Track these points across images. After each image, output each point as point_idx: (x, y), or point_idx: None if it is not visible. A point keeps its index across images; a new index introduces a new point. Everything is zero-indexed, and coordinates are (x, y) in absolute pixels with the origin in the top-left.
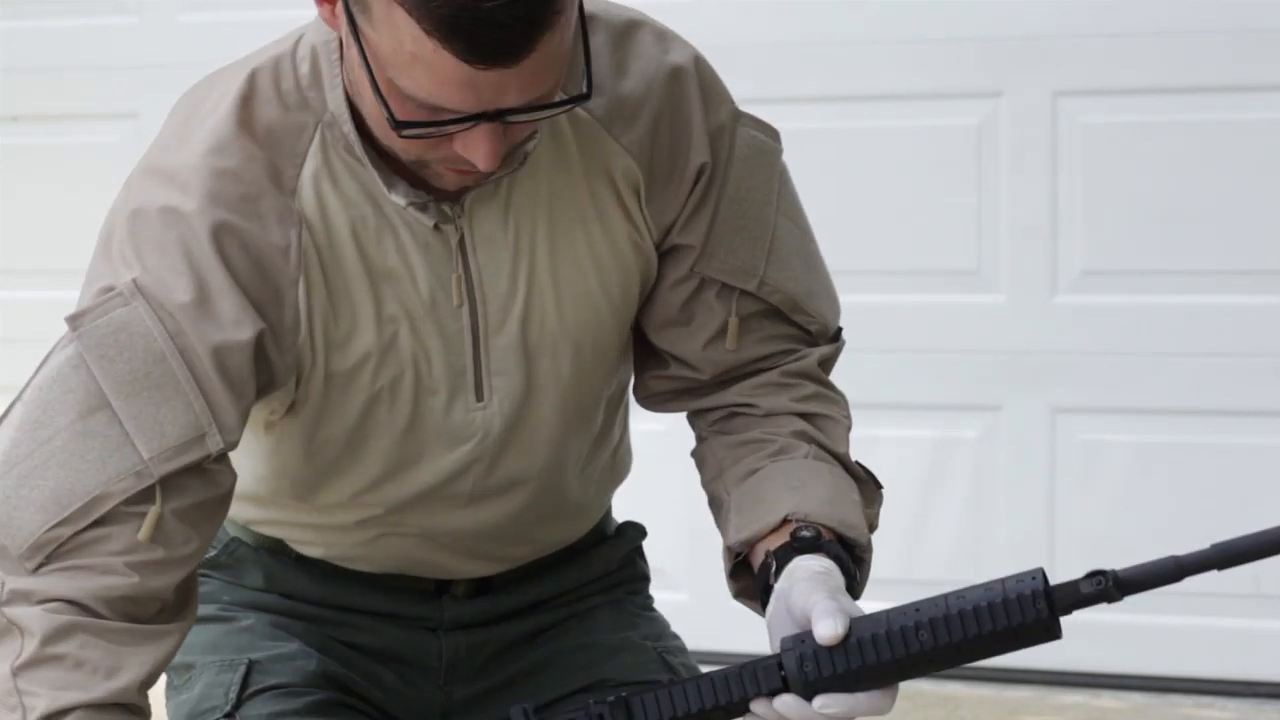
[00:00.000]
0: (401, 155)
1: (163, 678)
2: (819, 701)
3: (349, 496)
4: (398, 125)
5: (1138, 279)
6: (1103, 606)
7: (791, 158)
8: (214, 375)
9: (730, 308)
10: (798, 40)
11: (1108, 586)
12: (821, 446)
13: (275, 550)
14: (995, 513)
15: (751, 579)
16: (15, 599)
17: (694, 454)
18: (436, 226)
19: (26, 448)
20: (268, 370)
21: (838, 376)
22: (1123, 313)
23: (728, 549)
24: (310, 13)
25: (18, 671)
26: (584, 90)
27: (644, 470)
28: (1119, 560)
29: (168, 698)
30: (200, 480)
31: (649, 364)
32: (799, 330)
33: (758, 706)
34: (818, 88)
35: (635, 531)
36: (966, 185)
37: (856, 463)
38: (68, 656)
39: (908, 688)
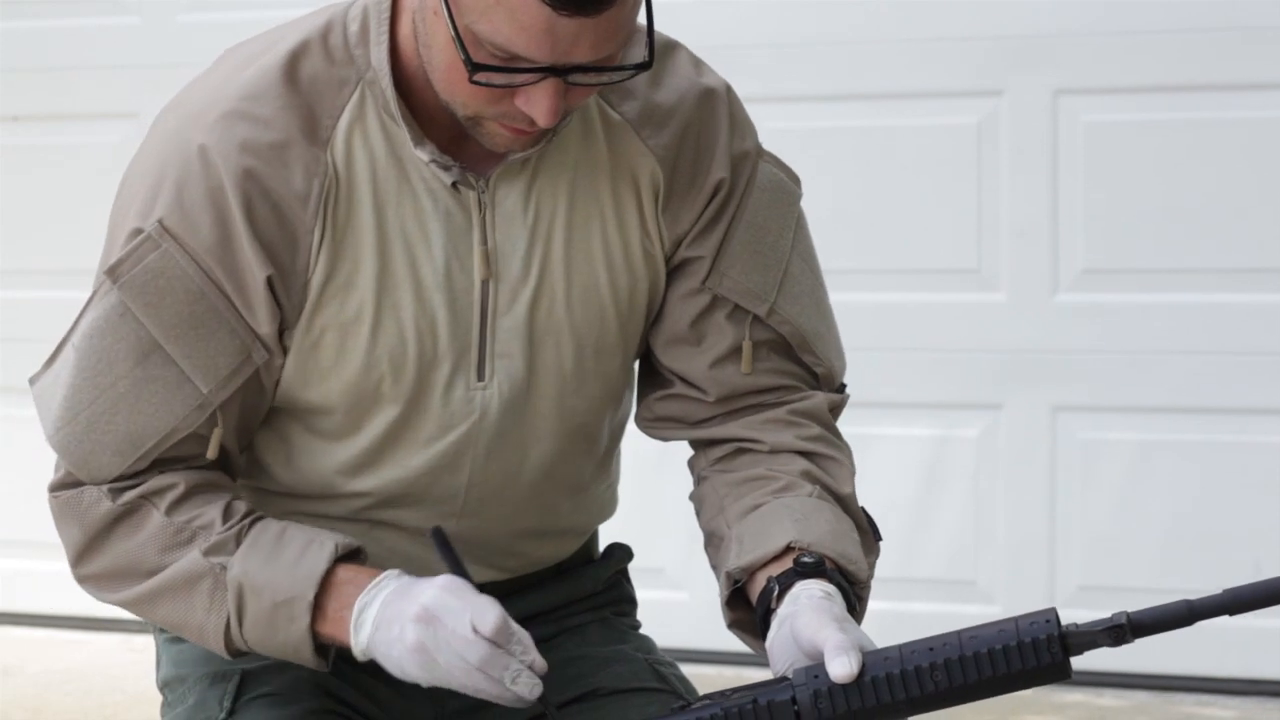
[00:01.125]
0: (460, 110)
1: (158, 696)
2: None
3: (342, 473)
4: (474, 68)
5: (1138, 277)
6: (1100, 606)
7: (792, 157)
8: (247, 299)
9: (743, 332)
10: (798, 39)
11: (1122, 631)
12: (826, 488)
13: None
14: (995, 511)
15: (748, 611)
16: (123, 490)
17: (693, 496)
18: (455, 186)
19: (89, 395)
20: (280, 311)
21: None
22: (1123, 311)
23: (727, 575)
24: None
25: (170, 511)
26: (646, 59)
27: (644, 471)
28: (1117, 560)
29: (163, 714)
30: (249, 392)
31: (654, 386)
32: (805, 371)
33: None
34: (818, 86)
35: (622, 553)
36: (967, 184)
37: (862, 509)
38: (198, 489)
39: None
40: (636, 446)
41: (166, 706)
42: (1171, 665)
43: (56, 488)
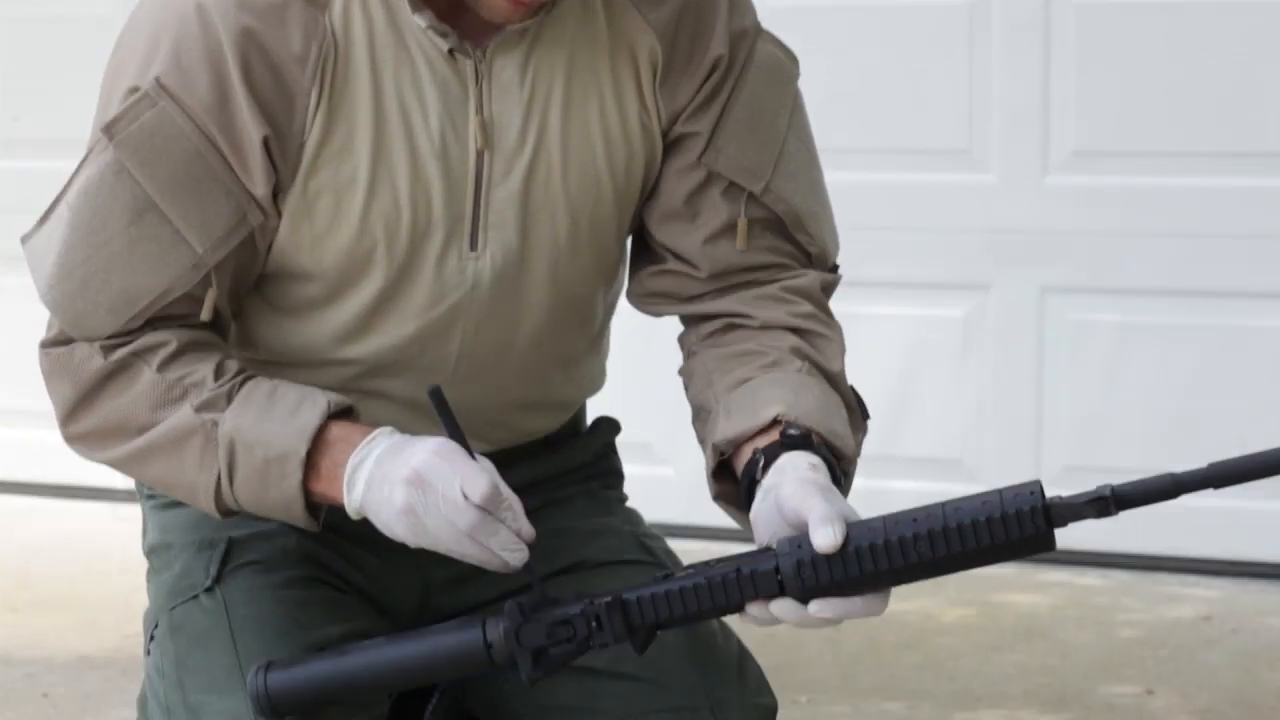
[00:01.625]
0: None
1: (143, 565)
2: (814, 606)
3: (333, 340)
4: None
5: (1129, 160)
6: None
7: (787, 36)
8: (243, 159)
9: (737, 210)
10: None
11: (1106, 503)
12: (815, 364)
13: None
14: (983, 391)
15: (733, 484)
16: (115, 346)
17: (682, 370)
18: (452, 54)
19: (83, 252)
20: (275, 173)
21: None
22: (1113, 193)
23: (713, 446)
24: None
25: (161, 369)
26: None
27: (634, 348)
28: (1104, 441)
29: (149, 580)
30: (243, 255)
31: (646, 261)
32: (798, 250)
33: (753, 609)
34: None
35: (610, 427)
36: (959, 64)
37: (850, 387)
38: (190, 347)
39: None
40: (626, 323)
41: (152, 573)
42: (1155, 546)
43: (48, 344)
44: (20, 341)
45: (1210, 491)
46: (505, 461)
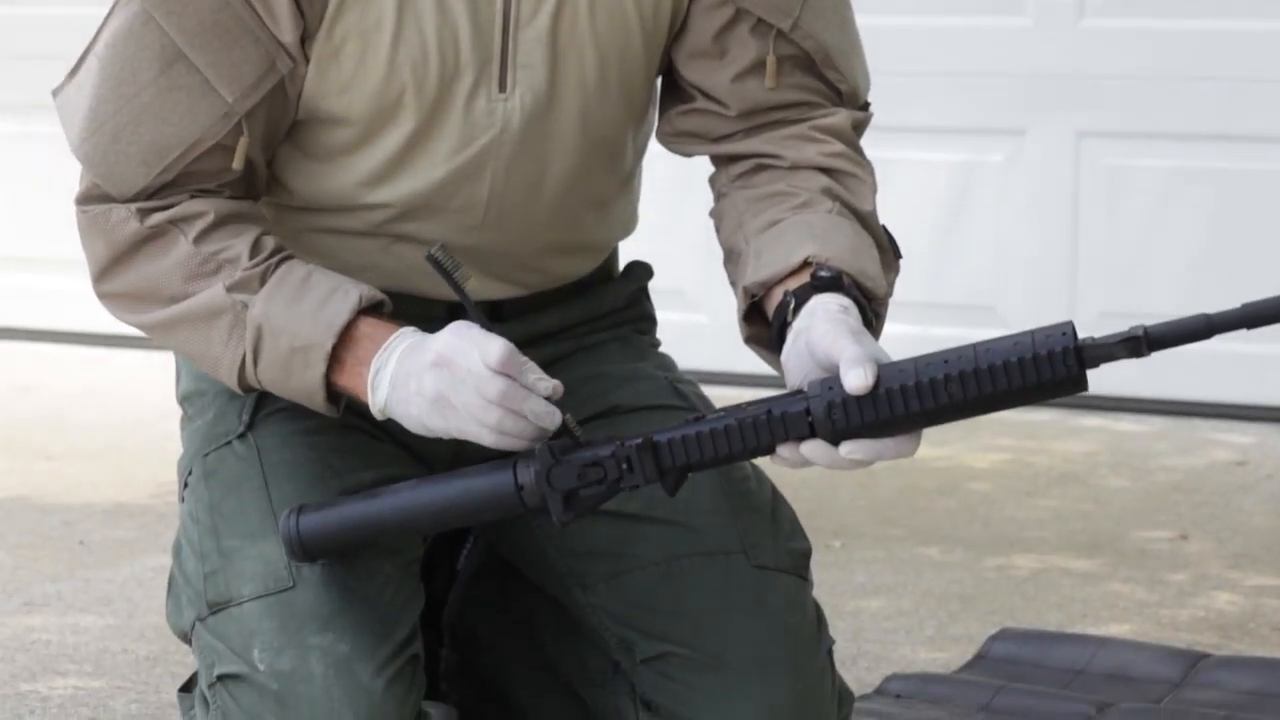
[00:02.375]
0: None
1: (176, 413)
2: (845, 448)
3: (363, 185)
4: None
5: (1164, 2)
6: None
7: None
8: (269, 5)
9: (766, 47)
10: None
11: (1138, 343)
12: (846, 205)
13: None
14: (1018, 237)
15: (764, 326)
16: (152, 211)
17: (712, 213)
18: None
19: (113, 105)
20: (301, 18)
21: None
22: (1149, 37)
23: (744, 289)
24: None
25: (199, 240)
26: None
27: (665, 193)
28: (1139, 286)
29: (182, 427)
30: (274, 103)
31: (676, 100)
32: (828, 88)
33: (784, 450)
34: None
35: (642, 271)
36: None
37: (882, 227)
38: (228, 219)
39: None
40: (659, 168)
41: (186, 420)
42: (1190, 391)
43: (83, 201)
44: (50, 191)
45: (1244, 334)
46: (538, 306)
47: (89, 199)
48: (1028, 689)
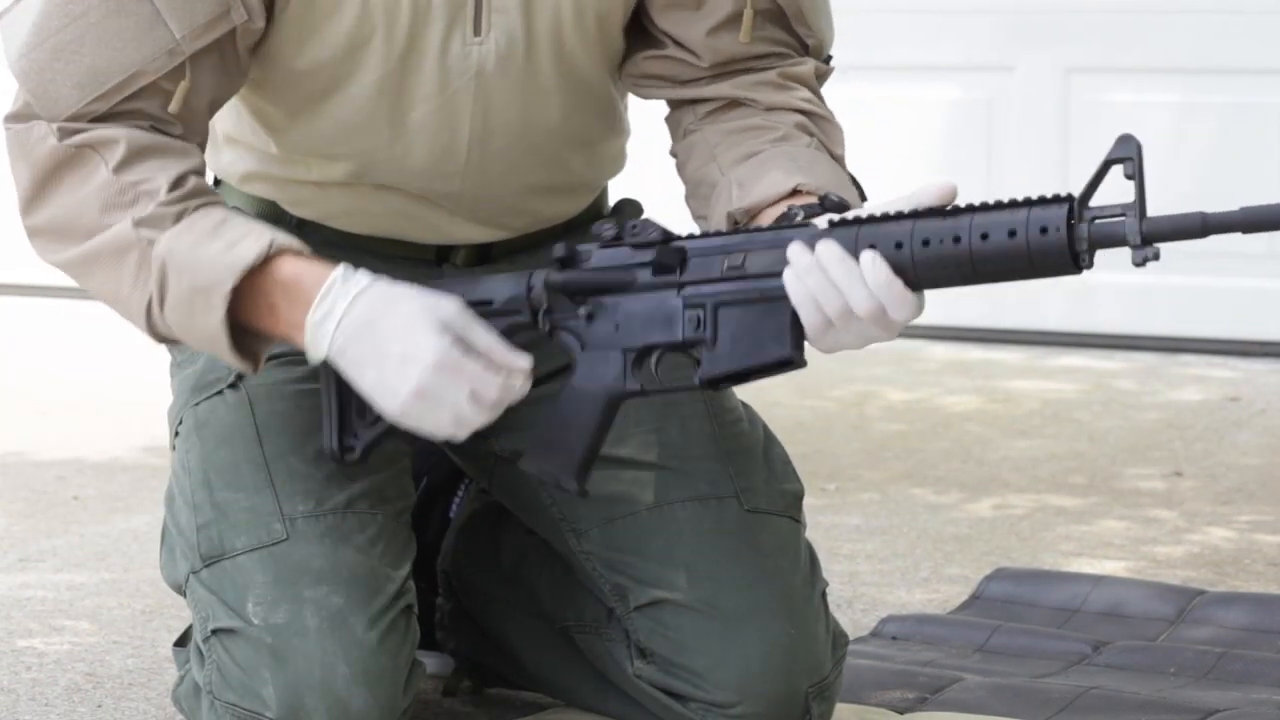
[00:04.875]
0: None
1: (167, 356)
2: (867, 257)
3: (344, 130)
4: None
5: None
6: (1116, 266)
7: None
8: None
9: (742, 1)
10: None
11: (1135, 223)
12: (821, 144)
13: (274, 217)
14: (1008, 173)
15: None
16: (73, 131)
17: (675, 149)
18: None
19: (59, 21)
20: None
21: (845, 53)
22: None
23: (728, 215)
24: None
25: (119, 169)
26: None
27: (656, 131)
28: None
29: (172, 374)
30: (224, 54)
31: (644, 45)
32: (797, 41)
33: (796, 253)
34: None
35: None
36: None
37: (849, 174)
38: (154, 150)
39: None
40: (650, 106)
41: (175, 366)
42: (1179, 328)
43: (11, 119)
44: None
45: (1234, 272)
46: (527, 246)
47: (18, 117)
48: (1023, 629)
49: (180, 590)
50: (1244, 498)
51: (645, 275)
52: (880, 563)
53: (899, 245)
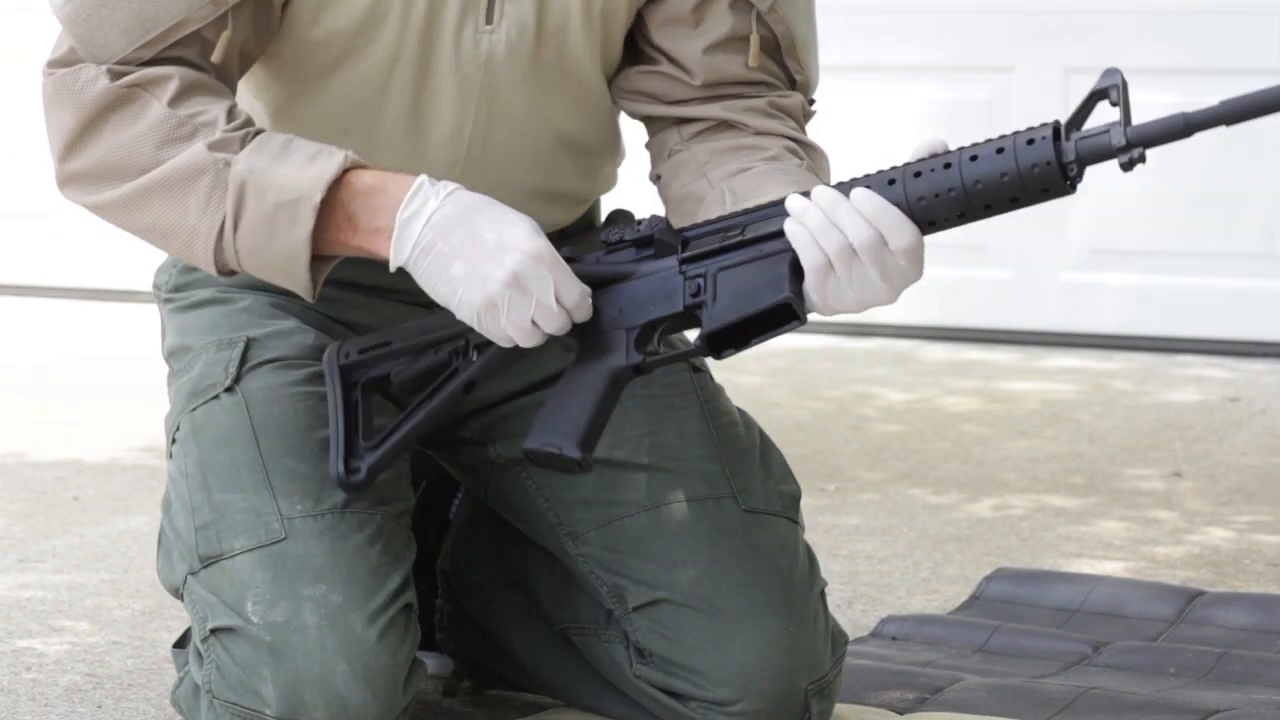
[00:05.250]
0: None
1: (164, 368)
2: (857, 193)
3: (352, 106)
4: None
5: None
6: (1115, 266)
7: None
8: None
9: (742, 24)
10: None
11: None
12: (811, 169)
13: None
14: None
15: None
16: (122, 74)
17: (660, 170)
18: None
19: None
20: None
21: (846, 53)
22: None
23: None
24: None
25: (174, 103)
26: None
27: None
28: (1130, 222)
29: (169, 384)
30: (255, 21)
31: (638, 60)
32: (786, 75)
33: (793, 201)
34: None
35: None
36: None
37: None
38: (204, 86)
39: (918, 357)
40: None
41: (172, 376)
42: (1179, 328)
43: (55, 64)
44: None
45: (1233, 272)
46: None
47: (62, 62)
48: (1023, 629)
49: (178, 593)
50: (1243, 498)
51: (648, 263)
52: (880, 563)
53: (891, 181)
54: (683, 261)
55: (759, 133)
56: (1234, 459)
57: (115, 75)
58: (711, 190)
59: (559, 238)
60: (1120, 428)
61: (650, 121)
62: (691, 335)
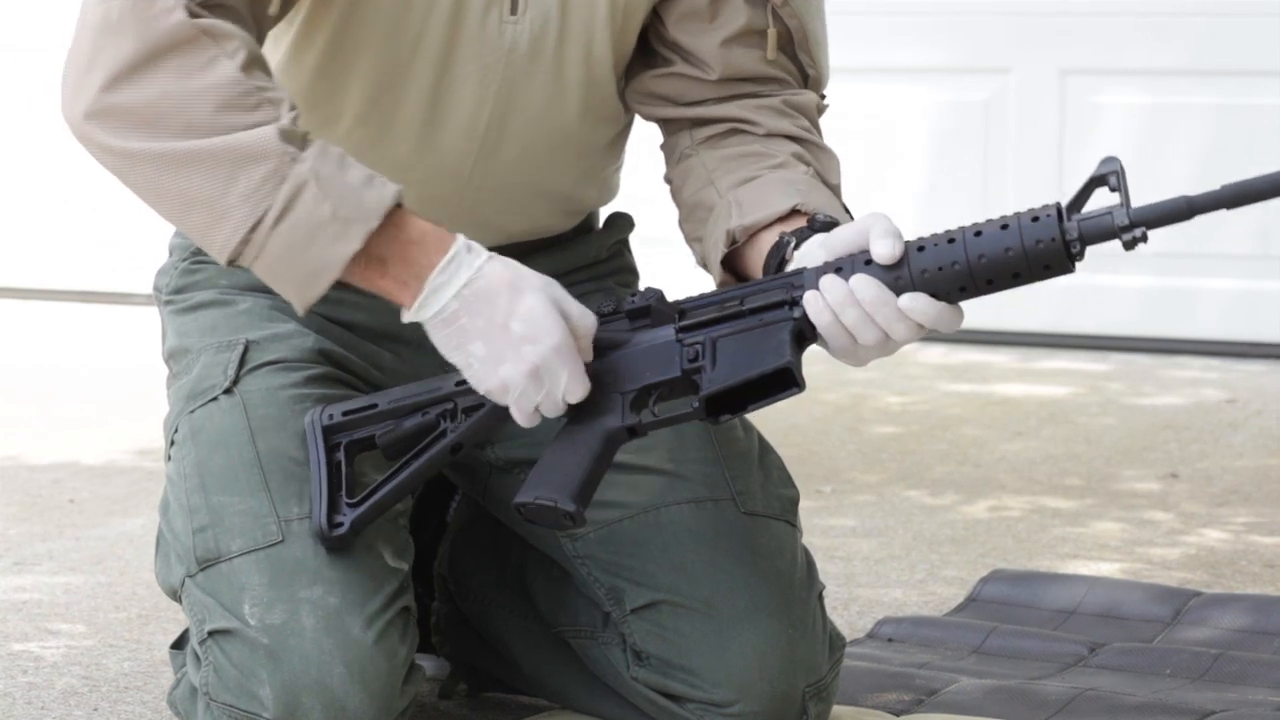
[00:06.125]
0: None
1: (164, 370)
2: (906, 300)
3: (377, 86)
4: None
5: None
6: (1111, 268)
7: None
8: None
9: (756, 18)
10: None
11: (1123, 213)
12: (817, 174)
13: None
14: (1004, 175)
15: (734, 276)
16: (198, 15)
17: (671, 175)
18: None
19: None
20: None
21: (844, 54)
22: None
23: (727, 233)
24: None
25: (246, 69)
26: None
27: (649, 145)
28: None
29: (168, 386)
30: None
31: (652, 64)
32: (799, 70)
33: (829, 285)
34: None
35: (624, 222)
36: None
37: (844, 205)
38: (263, 62)
39: (909, 364)
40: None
41: (171, 378)
42: (1175, 329)
43: None
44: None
45: (1229, 274)
46: (519, 256)
47: None
48: (1020, 630)
49: (175, 595)
50: (1239, 499)
51: (644, 332)
52: (876, 565)
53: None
54: (680, 330)
55: (769, 134)
56: (1230, 460)
57: (192, 13)
58: (720, 200)
59: (555, 243)
60: (1116, 429)
61: (666, 124)
62: None
